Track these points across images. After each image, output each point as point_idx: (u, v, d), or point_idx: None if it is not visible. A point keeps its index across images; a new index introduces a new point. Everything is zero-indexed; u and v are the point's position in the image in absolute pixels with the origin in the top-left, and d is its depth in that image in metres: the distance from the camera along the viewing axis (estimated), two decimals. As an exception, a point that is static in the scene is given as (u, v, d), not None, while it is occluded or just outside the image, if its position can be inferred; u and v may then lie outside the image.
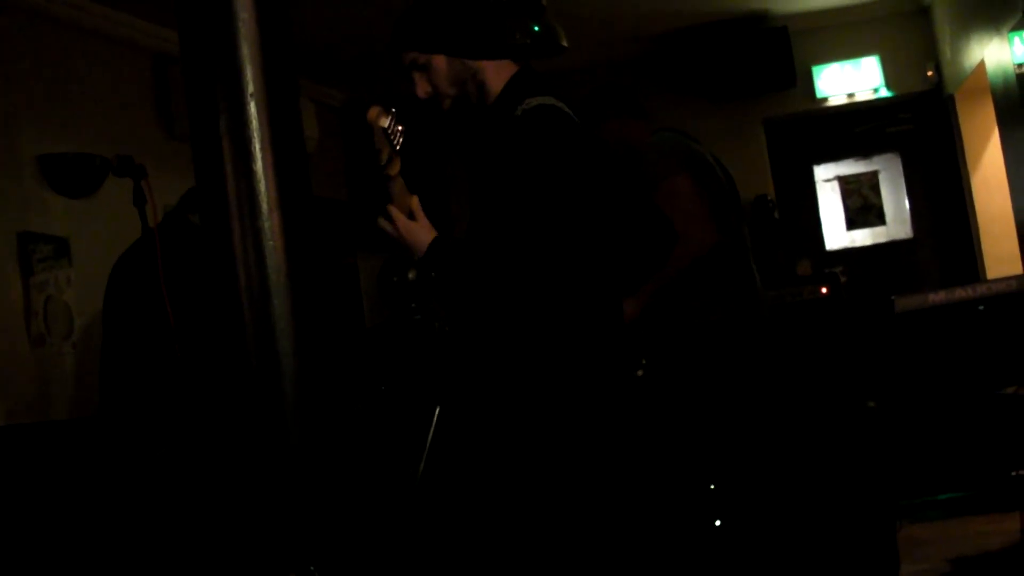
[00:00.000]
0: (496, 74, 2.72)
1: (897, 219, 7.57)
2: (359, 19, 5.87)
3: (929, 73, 7.26)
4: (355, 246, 7.12)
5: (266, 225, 1.96)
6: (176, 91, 5.86)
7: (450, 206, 7.19)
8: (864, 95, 7.47)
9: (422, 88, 2.73)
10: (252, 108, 1.98)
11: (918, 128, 7.55)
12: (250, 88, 1.98)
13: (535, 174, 2.54)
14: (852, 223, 7.64)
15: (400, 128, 2.59)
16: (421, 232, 2.63)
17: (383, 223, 2.63)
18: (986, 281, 4.72)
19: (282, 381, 1.92)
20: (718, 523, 3.72)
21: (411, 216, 2.64)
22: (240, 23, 1.99)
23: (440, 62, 2.71)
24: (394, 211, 2.62)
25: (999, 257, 6.75)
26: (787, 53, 7.21)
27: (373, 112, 2.59)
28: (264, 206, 1.96)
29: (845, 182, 7.67)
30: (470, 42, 2.67)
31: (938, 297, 4.53)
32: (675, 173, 3.99)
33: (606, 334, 2.63)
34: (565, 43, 2.86)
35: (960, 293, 4.50)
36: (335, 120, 7.39)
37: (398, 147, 2.60)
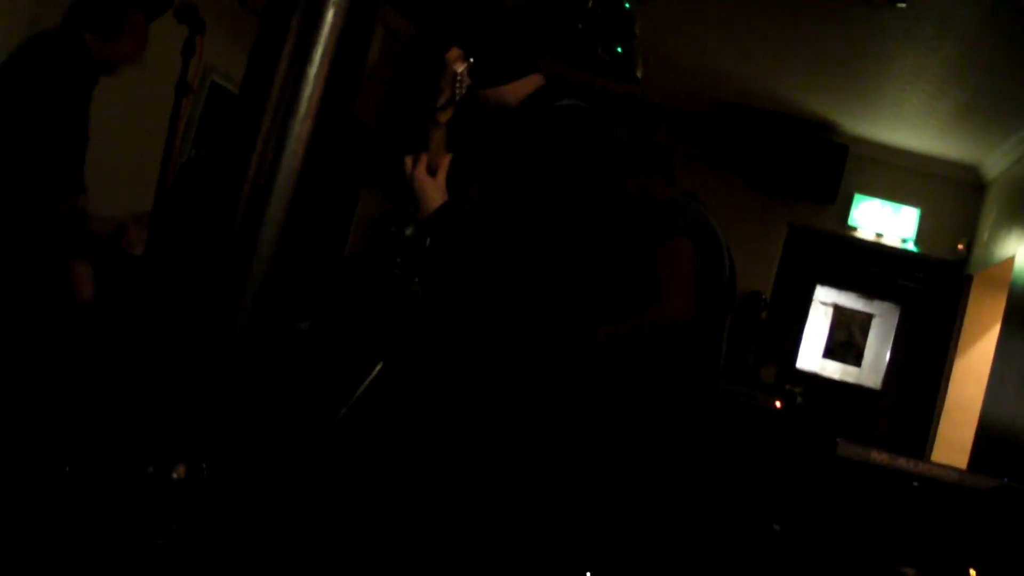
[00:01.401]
0: (520, 88, 2.75)
1: (873, 367, 7.60)
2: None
3: (960, 246, 7.29)
4: (366, 175, 7.10)
5: (295, 128, 1.95)
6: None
7: (467, 182, 7.17)
8: (892, 240, 7.48)
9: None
10: (329, 15, 1.97)
11: (927, 292, 7.57)
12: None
13: (554, 168, 2.53)
14: (830, 353, 7.66)
15: (468, 81, 2.58)
16: (435, 191, 2.62)
17: (408, 161, 2.62)
18: (929, 462, 4.73)
19: (246, 282, 1.91)
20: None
21: (433, 172, 2.63)
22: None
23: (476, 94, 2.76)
24: (423, 158, 2.61)
25: (951, 442, 6.77)
26: (839, 171, 7.22)
27: (454, 53, 2.58)
28: (302, 110, 1.95)
29: (839, 312, 7.69)
30: (502, 72, 2.71)
31: (880, 457, 4.54)
32: (682, 236, 4.00)
33: (568, 341, 2.63)
34: (639, 74, 2.86)
35: (902, 462, 4.51)
36: (397, 51, 7.36)
37: (457, 98, 2.59)
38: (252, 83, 2.02)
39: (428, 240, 2.56)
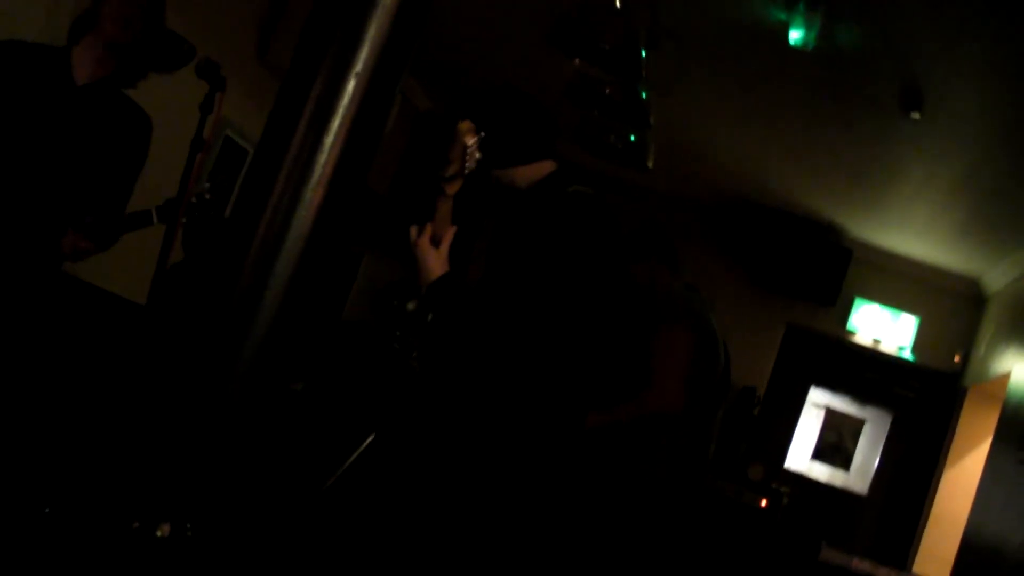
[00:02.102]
0: (530, 172, 2.78)
1: (860, 473, 7.56)
2: (483, 37, 5.92)
3: (956, 359, 7.30)
4: (371, 240, 7.13)
5: (307, 196, 1.96)
6: (288, 17, 5.91)
7: (472, 255, 7.22)
8: (889, 347, 7.50)
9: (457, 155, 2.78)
10: (351, 86, 1.98)
11: (921, 401, 7.56)
12: (358, 67, 1.99)
13: (556, 253, 2.57)
14: (819, 454, 7.63)
15: (478, 156, 2.61)
16: (437, 261, 2.65)
17: (413, 231, 2.64)
18: (911, 573, 4.72)
19: (246, 340, 1.91)
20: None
21: (437, 243, 2.66)
22: (381, 3, 2.01)
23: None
24: (428, 228, 2.64)
25: (934, 554, 6.73)
26: (841, 274, 7.25)
27: (466, 125, 2.61)
28: (314, 177, 1.96)
29: (831, 415, 7.67)
30: (515, 154, 2.75)
31: (862, 566, 4.53)
32: (680, 327, 4.00)
33: (557, 422, 2.63)
34: (651, 165, 2.90)
35: (883, 572, 4.50)
36: (412, 120, 7.42)
37: (466, 171, 2.61)
38: (268, 147, 2.03)
39: (429, 315, 2.59)
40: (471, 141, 2.59)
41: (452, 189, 2.65)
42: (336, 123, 1.93)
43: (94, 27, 3.40)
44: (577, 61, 4.12)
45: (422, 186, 7.23)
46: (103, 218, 3.26)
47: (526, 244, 2.59)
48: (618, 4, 3.73)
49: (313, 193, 1.92)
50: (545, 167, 2.75)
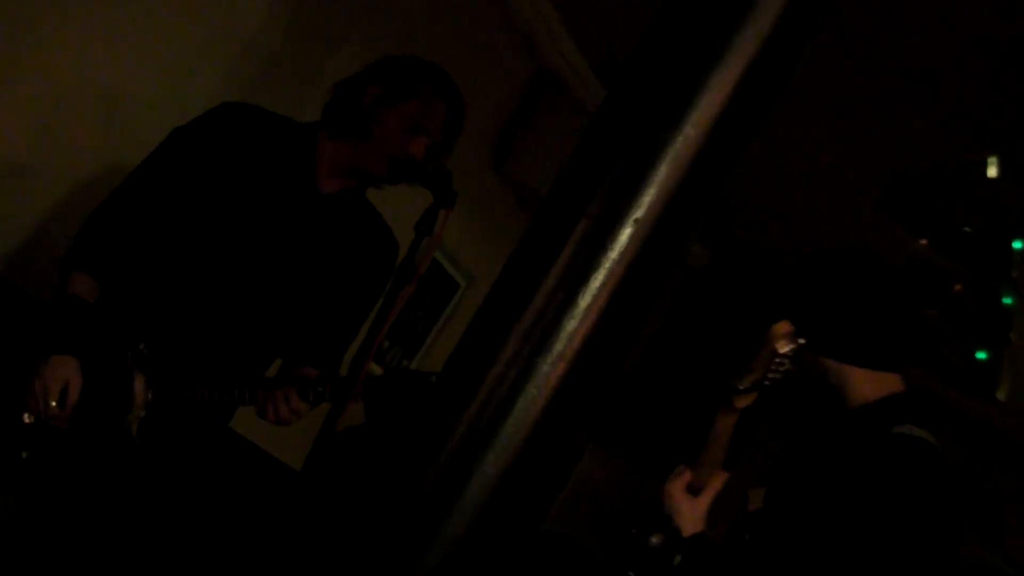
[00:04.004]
0: (870, 384, 2.68)
1: None
2: (792, 185, 5.92)
3: None
4: (598, 426, 7.11)
5: (543, 370, 1.93)
6: (538, 116, 6.10)
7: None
8: None
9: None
10: (625, 236, 1.96)
11: None
12: (639, 212, 1.97)
13: (889, 513, 2.48)
14: None
15: (791, 368, 2.54)
16: (691, 517, 2.63)
17: (678, 481, 2.65)
18: None
19: (424, 555, 1.89)
20: None
21: (696, 491, 2.64)
22: (683, 134, 2.00)
23: (813, 356, 2.70)
24: (687, 475, 2.63)
25: None
26: None
27: (782, 328, 2.56)
28: (556, 348, 1.93)
29: None
30: (869, 352, 2.66)
31: None
32: None
33: None
34: (1002, 396, 2.82)
35: None
36: (681, 278, 7.43)
37: (768, 383, 2.55)
38: (501, 297, 2.03)
39: (676, 560, 2.54)
40: (785, 349, 2.52)
41: (742, 403, 2.59)
42: (598, 281, 1.90)
43: (368, 138, 3.55)
44: (924, 242, 4.01)
45: (678, 366, 7.21)
46: (338, 379, 3.34)
47: (858, 496, 2.50)
48: (993, 172, 3.62)
49: (551, 368, 1.88)
50: (890, 383, 2.67)
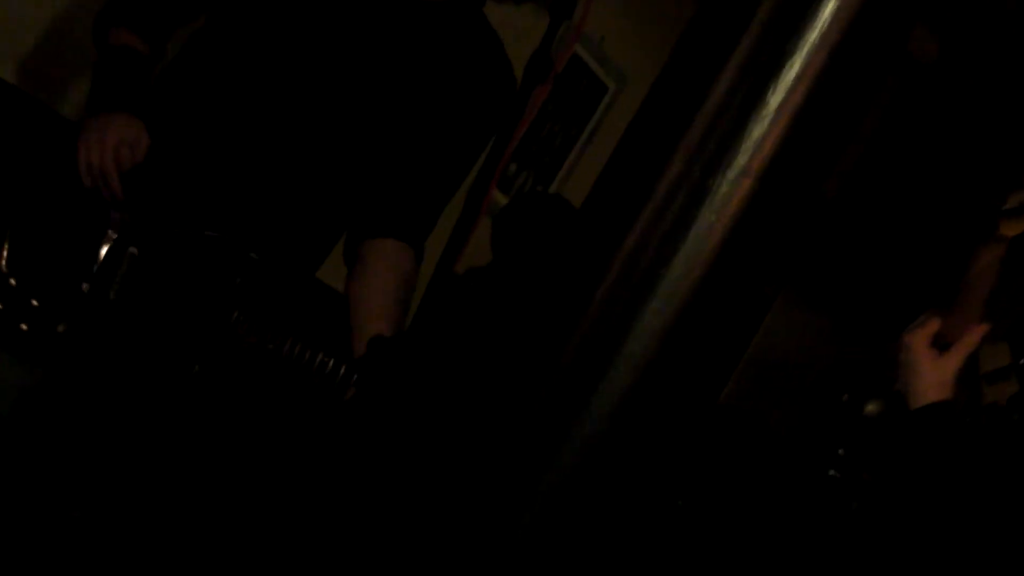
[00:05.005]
0: None
1: None
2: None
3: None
4: (788, 277, 7.08)
5: (722, 187, 1.87)
6: None
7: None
8: None
9: None
10: (827, 8, 1.89)
11: None
12: None
13: None
14: None
15: None
16: (934, 380, 2.61)
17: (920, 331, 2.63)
18: None
19: (563, 442, 1.86)
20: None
21: (945, 344, 2.62)
22: None
23: None
24: (935, 323, 2.61)
25: None
26: None
27: None
28: (739, 161, 1.87)
29: None
30: None
31: None
32: None
33: None
34: None
35: None
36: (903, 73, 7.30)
37: None
38: (661, 98, 1.97)
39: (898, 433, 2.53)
40: None
41: (1014, 230, 2.53)
42: (793, 71, 1.82)
43: None
44: None
45: (911, 194, 7.11)
46: None
47: None
48: None
49: (732, 189, 1.81)
50: None
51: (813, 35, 1.85)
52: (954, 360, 2.62)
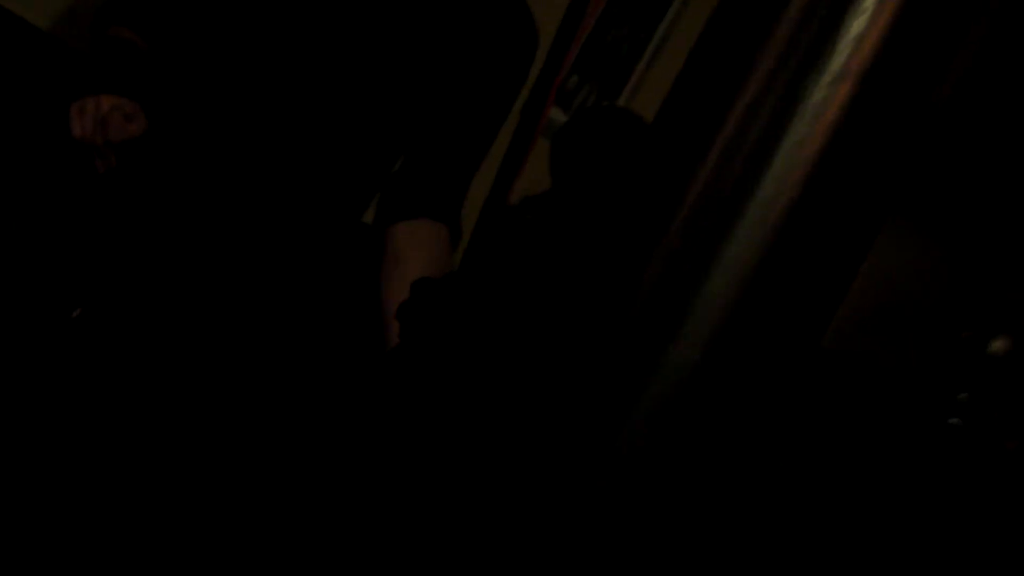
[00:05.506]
0: None
1: None
2: None
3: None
4: (904, 197, 7.08)
5: (816, 93, 1.81)
6: None
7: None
8: None
9: None
10: None
11: None
12: None
13: None
14: None
15: None
16: None
17: None
18: None
19: (641, 393, 1.84)
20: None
21: None
22: None
23: None
24: None
25: None
26: None
27: None
28: (835, 63, 1.82)
29: None
30: None
31: None
32: None
33: None
34: None
35: None
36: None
37: None
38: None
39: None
40: None
41: None
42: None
43: None
44: None
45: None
46: None
47: None
48: None
49: (829, 93, 1.78)
50: None
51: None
52: None
